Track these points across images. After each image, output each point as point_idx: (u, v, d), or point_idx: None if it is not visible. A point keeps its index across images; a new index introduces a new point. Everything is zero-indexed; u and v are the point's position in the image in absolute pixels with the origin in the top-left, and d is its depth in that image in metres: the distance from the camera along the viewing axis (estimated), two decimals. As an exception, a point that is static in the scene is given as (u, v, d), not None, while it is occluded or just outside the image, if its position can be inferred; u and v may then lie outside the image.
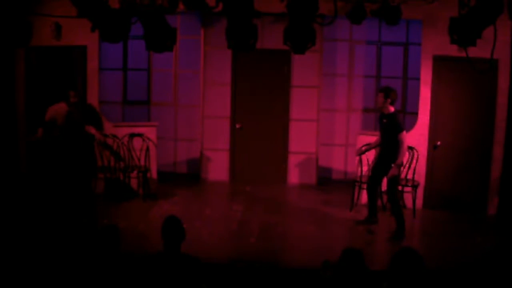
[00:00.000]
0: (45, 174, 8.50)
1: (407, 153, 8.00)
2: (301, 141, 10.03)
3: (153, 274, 4.46)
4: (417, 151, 8.57)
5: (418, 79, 8.94)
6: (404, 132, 7.49)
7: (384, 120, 7.63)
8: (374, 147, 8.08)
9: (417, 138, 8.67)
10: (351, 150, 10.03)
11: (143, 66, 10.44)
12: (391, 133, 7.51)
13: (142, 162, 9.00)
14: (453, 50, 7.79)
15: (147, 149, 9.00)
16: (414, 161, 8.52)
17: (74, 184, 8.33)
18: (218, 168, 10.14)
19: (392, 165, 7.43)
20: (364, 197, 8.65)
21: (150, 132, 9.14)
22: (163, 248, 4.58)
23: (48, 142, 8.28)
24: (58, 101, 8.31)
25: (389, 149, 7.54)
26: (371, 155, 8.40)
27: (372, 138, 8.54)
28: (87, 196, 8.50)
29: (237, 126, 10.05)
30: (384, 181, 7.77)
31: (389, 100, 7.52)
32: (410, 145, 8.35)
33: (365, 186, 8.40)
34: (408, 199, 8.63)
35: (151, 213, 8.31)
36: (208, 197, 9.42)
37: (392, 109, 7.57)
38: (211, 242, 7.22)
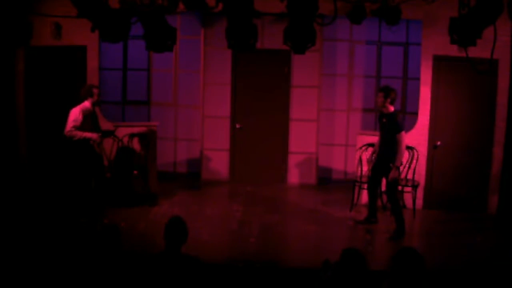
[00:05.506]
0: (64, 174, 8.36)
1: (406, 153, 8.01)
2: (301, 141, 10.02)
3: (154, 274, 4.46)
4: (417, 151, 8.57)
5: (418, 79, 8.94)
6: (403, 132, 7.48)
7: (384, 120, 7.63)
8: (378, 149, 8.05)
9: (417, 138, 8.67)
10: (351, 150, 10.03)
11: (143, 66, 10.44)
12: (390, 133, 7.51)
13: (142, 162, 8.99)
14: (453, 50, 7.82)
15: (147, 149, 8.99)
16: (414, 161, 8.52)
17: (79, 185, 8.27)
18: (218, 168, 10.14)
19: (391, 165, 7.43)
20: (364, 197, 8.66)
21: (150, 132, 9.13)
22: (164, 248, 4.58)
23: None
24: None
25: (388, 149, 7.53)
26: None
27: (372, 138, 8.54)
28: (88, 196, 8.49)
29: (237, 126, 10.04)
30: (384, 181, 7.77)
31: (389, 100, 7.52)
32: (410, 145, 8.36)
33: (365, 186, 8.40)
34: (408, 199, 8.63)
35: (151, 213, 8.31)
36: (208, 197, 9.41)
37: (392, 108, 7.57)
38: (211, 242, 7.22)
